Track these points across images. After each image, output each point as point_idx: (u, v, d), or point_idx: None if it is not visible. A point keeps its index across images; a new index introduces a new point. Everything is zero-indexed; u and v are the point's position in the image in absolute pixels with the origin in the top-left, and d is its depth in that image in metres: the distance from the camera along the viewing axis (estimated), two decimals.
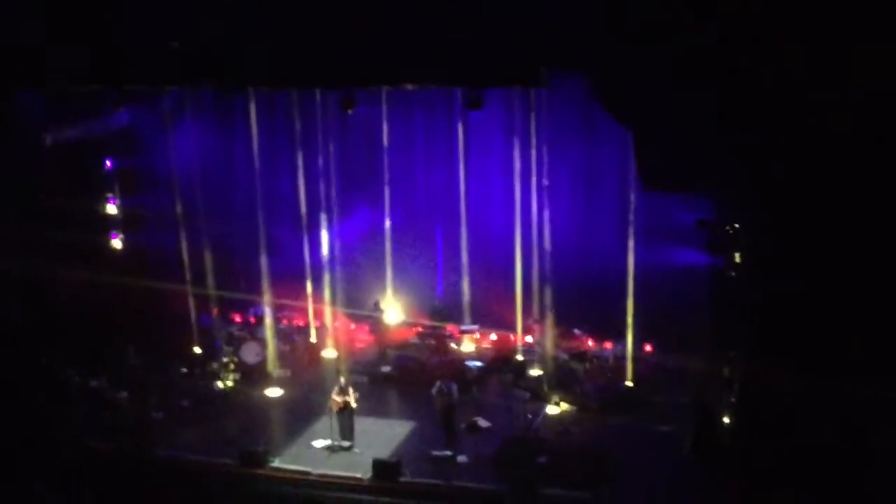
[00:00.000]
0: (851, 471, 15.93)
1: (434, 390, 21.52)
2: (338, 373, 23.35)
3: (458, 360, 24.89)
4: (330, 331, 26.98)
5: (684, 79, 16.50)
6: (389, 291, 26.99)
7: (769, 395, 16.40)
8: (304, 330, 27.53)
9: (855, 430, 15.91)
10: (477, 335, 26.48)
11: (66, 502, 19.30)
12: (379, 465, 19.79)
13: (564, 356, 24.38)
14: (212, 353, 25.81)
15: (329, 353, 26.74)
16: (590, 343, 25.20)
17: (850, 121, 15.34)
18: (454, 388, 21.51)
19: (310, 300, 27.05)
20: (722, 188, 18.06)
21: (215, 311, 27.01)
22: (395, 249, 26.87)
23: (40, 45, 20.45)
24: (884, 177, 15.44)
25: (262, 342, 26.04)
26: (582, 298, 25.08)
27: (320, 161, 26.27)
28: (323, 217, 26.53)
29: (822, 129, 15.49)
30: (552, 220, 24.13)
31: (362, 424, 21.55)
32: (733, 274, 18.50)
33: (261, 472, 20.19)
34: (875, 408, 15.72)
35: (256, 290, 27.12)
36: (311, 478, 19.98)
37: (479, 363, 24.78)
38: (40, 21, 20.29)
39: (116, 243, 26.39)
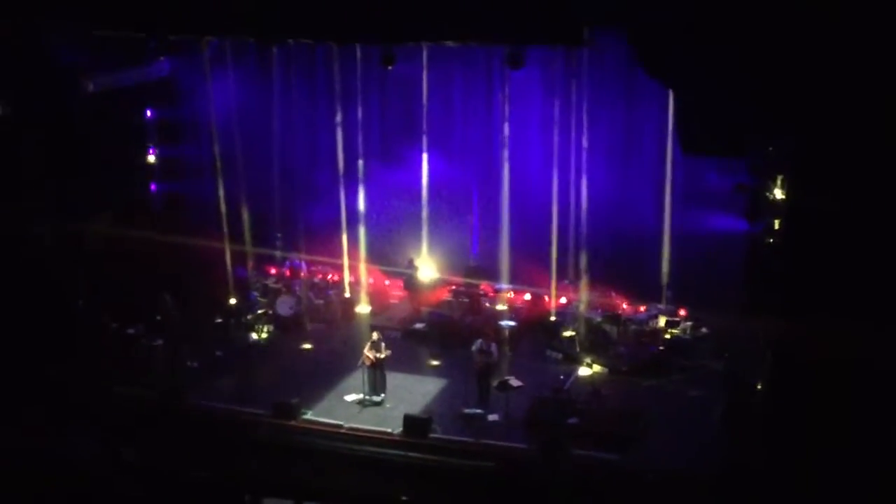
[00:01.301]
0: (885, 438, 15.82)
1: (475, 348, 21.48)
2: (371, 328, 23.45)
3: (492, 319, 24.88)
4: (364, 286, 27.05)
5: (728, 40, 16.28)
6: (424, 249, 26.96)
7: (802, 364, 16.29)
8: (339, 285, 27.62)
9: (889, 399, 15.79)
10: (511, 294, 26.45)
11: (99, 449, 19.53)
12: (410, 421, 19.90)
13: (598, 318, 24.33)
14: (247, 304, 25.97)
15: (362, 308, 26.83)
16: (624, 306, 25.10)
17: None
18: (494, 348, 21.51)
19: (345, 255, 27.12)
20: (761, 153, 17.88)
21: (251, 262, 27.17)
22: (431, 207, 26.79)
23: None
24: None
25: (296, 295, 26.18)
26: (617, 261, 25.02)
27: (359, 116, 26.24)
28: (360, 172, 26.53)
29: (870, 95, 15.25)
30: (590, 182, 24.02)
31: (394, 380, 21.70)
32: (770, 240, 18.34)
33: (293, 423, 20.37)
34: None
35: (292, 243, 27.28)
36: (342, 431, 20.14)
37: (512, 322, 24.77)
38: None
39: (155, 192, 26.50)
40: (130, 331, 24.00)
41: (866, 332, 15.39)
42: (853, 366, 15.53)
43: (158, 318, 23.98)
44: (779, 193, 18.11)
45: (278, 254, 27.87)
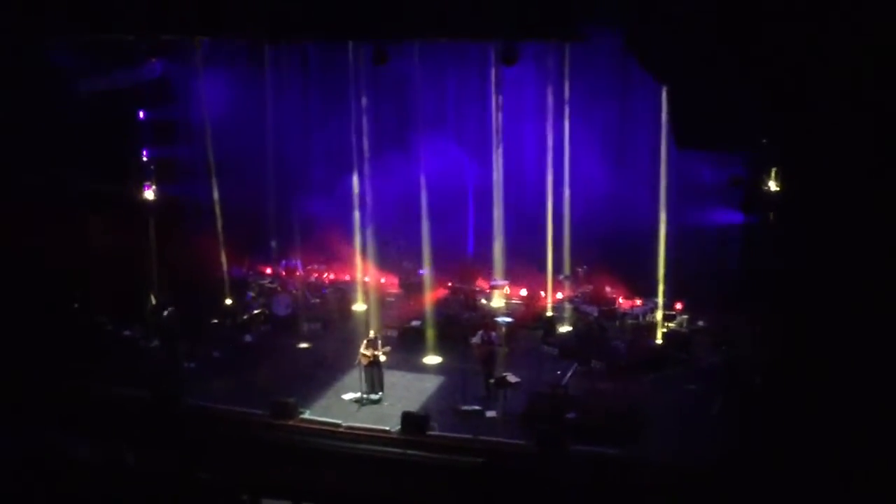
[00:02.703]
0: (884, 431, 15.84)
1: (475, 339, 21.72)
2: (367, 326, 23.44)
3: (489, 316, 24.89)
4: (360, 284, 27.05)
5: (720, 34, 16.29)
6: (421, 246, 26.92)
7: (799, 356, 16.31)
8: (335, 283, 27.60)
9: (887, 390, 15.81)
10: (507, 291, 26.45)
11: (96, 450, 19.51)
12: (408, 419, 19.90)
13: (594, 313, 24.33)
14: (243, 304, 25.96)
15: (359, 306, 26.82)
16: (620, 301, 25.11)
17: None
18: (496, 337, 21.75)
19: (341, 253, 27.09)
20: (756, 146, 17.90)
21: (247, 262, 27.14)
22: (426, 204, 26.74)
23: None
24: None
25: (292, 295, 26.16)
26: (613, 256, 25.05)
27: (352, 114, 26.21)
28: (354, 170, 26.52)
29: (863, 87, 15.26)
30: (585, 177, 24.05)
31: (391, 378, 21.69)
32: (767, 233, 18.37)
33: (291, 423, 20.35)
34: None
35: (287, 242, 27.26)
36: (340, 430, 20.13)
37: (509, 319, 24.77)
38: None
39: (149, 193, 26.50)
40: (126, 332, 23.97)
41: (862, 323, 15.43)
42: (850, 357, 15.55)
43: (154, 319, 23.92)
44: (773, 185, 18.12)
45: (273, 250, 27.85)
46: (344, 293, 27.16)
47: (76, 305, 24.32)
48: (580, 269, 24.97)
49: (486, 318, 24.20)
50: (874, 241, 15.66)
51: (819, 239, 16.06)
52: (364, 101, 26.19)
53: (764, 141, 17.88)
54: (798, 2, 15.46)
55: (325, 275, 28.15)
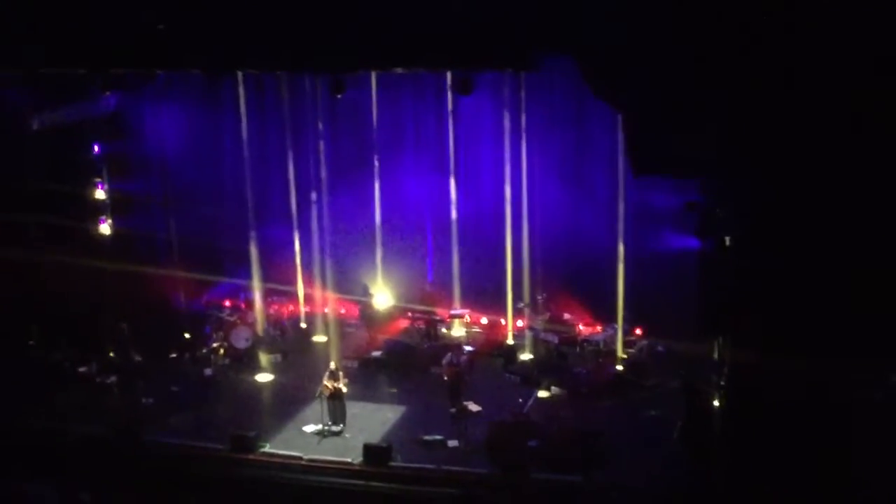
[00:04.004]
0: (838, 455, 15.97)
1: (444, 360, 21.94)
2: (328, 357, 23.33)
3: (453, 344, 24.85)
4: (320, 315, 26.91)
5: (674, 62, 16.44)
6: (379, 276, 26.90)
7: (758, 380, 16.40)
8: (294, 315, 27.48)
9: (842, 414, 15.95)
10: (467, 319, 26.45)
11: (53, 489, 19.23)
12: (370, 450, 19.78)
13: (555, 340, 24.38)
14: (201, 338, 25.75)
15: (319, 337, 26.69)
16: (580, 327, 25.17)
17: (843, 104, 15.31)
18: (464, 359, 22.01)
19: (300, 284, 27.01)
20: (711, 171, 18.02)
21: (205, 296, 26.95)
22: (384, 233, 26.81)
23: (25, 29, 20.26)
24: (876, 159, 15.41)
25: (251, 327, 26.00)
26: (572, 283, 25.13)
27: (309, 144, 26.22)
28: (312, 201, 26.46)
29: (814, 112, 15.45)
30: (542, 205, 24.14)
31: (353, 409, 21.56)
32: (721, 257, 18.48)
33: (251, 457, 20.17)
34: (863, 392, 15.79)
35: (246, 274, 27.12)
36: (301, 463, 19.96)
37: (469, 347, 24.78)
38: (23, 4, 20.09)
39: (105, 228, 26.26)
40: (83, 368, 23.70)
41: (820, 347, 15.56)
42: (808, 382, 15.67)
43: (112, 354, 23.68)
44: (728, 209, 18.24)
45: (231, 285, 27.70)
46: (303, 325, 27.00)
47: (31, 342, 24.02)
48: (539, 297, 25.01)
49: (453, 346, 24.14)
50: (828, 263, 15.83)
51: (773, 262, 16.19)
52: (321, 130, 26.24)
53: (719, 166, 18.00)
54: (753, 29, 15.64)
55: (285, 306, 28.00)
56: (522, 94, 23.84)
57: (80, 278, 24.49)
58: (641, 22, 16.47)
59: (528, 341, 24.82)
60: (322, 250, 26.73)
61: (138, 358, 23.69)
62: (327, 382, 20.99)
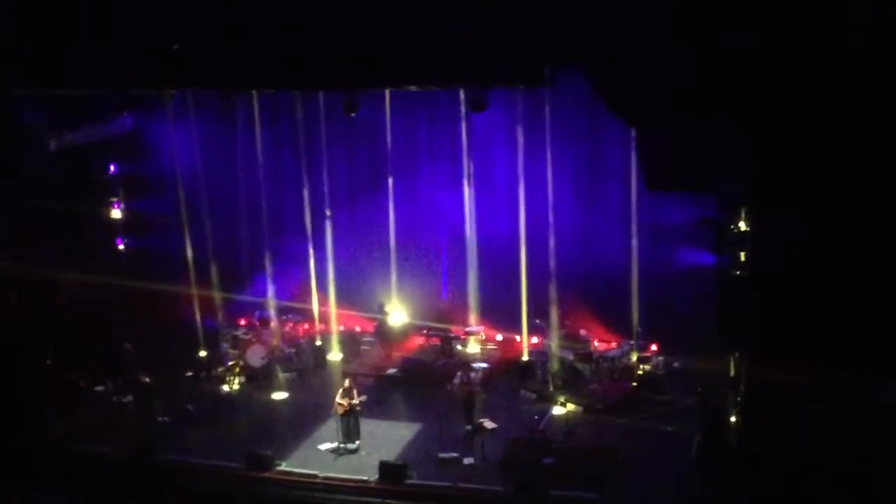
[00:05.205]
0: (856, 472, 15.87)
1: (456, 380, 22.02)
2: (343, 375, 23.33)
3: (464, 362, 24.83)
4: (335, 333, 26.94)
5: (687, 77, 16.43)
6: (394, 293, 26.92)
7: (775, 396, 16.33)
8: (310, 333, 27.52)
9: (860, 431, 15.85)
10: (482, 336, 26.42)
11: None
12: (385, 468, 19.76)
13: (570, 357, 24.32)
14: (217, 356, 25.80)
15: (334, 355, 26.70)
16: (595, 343, 25.12)
17: (858, 117, 15.28)
18: (476, 378, 22.04)
19: (315, 303, 27.05)
20: (726, 187, 18.00)
21: (221, 314, 27.02)
22: (399, 251, 26.83)
23: (42, 50, 20.43)
24: (891, 174, 15.37)
25: (267, 345, 26.03)
26: (587, 299, 25.07)
27: (324, 162, 26.30)
28: (327, 217, 26.52)
29: (830, 127, 15.42)
30: (557, 221, 24.10)
31: (368, 427, 21.55)
32: (738, 273, 18.43)
33: (267, 475, 20.16)
34: (883, 408, 15.69)
35: (261, 292, 27.18)
36: (317, 481, 19.94)
37: (484, 364, 24.75)
38: (42, 25, 20.25)
39: (121, 247, 26.36)
40: (99, 388, 23.77)
41: (837, 363, 15.48)
42: (825, 397, 15.58)
43: (128, 374, 23.75)
44: (744, 225, 18.22)
45: (247, 303, 27.77)
46: (318, 343, 27.03)
47: (49, 361, 24.12)
48: (537, 321, 25.05)
49: (463, 364, 24.14)
50: (845, 279, 15.77)
51: (791, 278, 16.14)
52: (336, 148, 26.35)
53: (733, 181, 17.98)
54: (766, 45, 15.64)
55: (300, 324, 28.03)
56: (536, 109, 23.82)
57: (97, 297, 24.60)
58: (654, 36, 16.49)
59: (543, 357, 24.71)
60: (337, 267, 26.76)
61: (146, 379, 23.68)
62: (342, 400, 20.99)
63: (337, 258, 26.80)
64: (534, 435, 20.74)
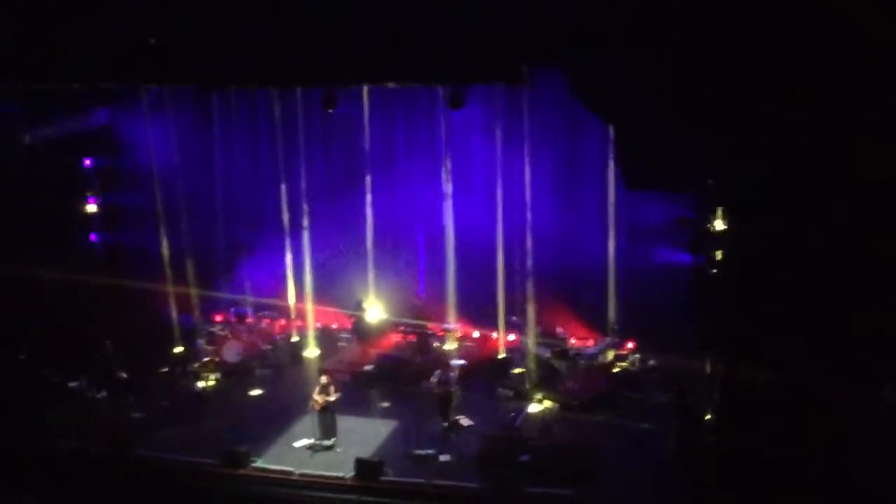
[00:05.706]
0: (831, 469, 15.99)
1: (433, 378, 21.92)
2: (319, 372, 23.28)
3: (441, 359, 24.82)
4: (311, 330, 26.89)
5: (665, 77, 16.50)
6: (371, 290, 26.88)
7: (750, 394, 16.42)
8: (286, 329, 27.46)
9: (836, 428, 15.97)
10: (459, 333, 26.43)
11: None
12: (361, 465, 19.74)
13: (546, 354, 24.36)
14: (193, 352, 25.71)
15: (311, 352, 26.65)
16: (572, 341, 25.16)
17: (834, 118, 15.38)
18: (453, 377, 21.98)
19: (291, 299, 26.98)
20: (702, 186, 18.09)
21: (196, 310, 26.92)
22: (376, 247, 26.79)
23: (17, 44, 20.30)
24: (867, 175, 15.46)
25: (243, 341, 25.95)
26: (564, 296, 25.11)
27: (301, 158, 26.23)
28: (305, 215, 26.46)
29: (806, 127, 15.51)
30: (534, 218, 24.11)
31: (344, 423, 21.50)
32: (714, 272, 18.53)
33: (243, 472, 20.10)
34: (855, 407, 15.81)
35: (237, 288, 27.10)
36: (293, 477, 19.90)
37: (461, 361, 24.75)
38: (17, 20, 20.11)
39: (96, 242, 26.21)
40: (73, 383, 23.63)
41: (811, 361, 15.58)
42: (800, 395, 15.68)
43: (102, 369, 23.62)
44: (720, 225, 18.30)
45: (223, 299, 27.68)
46: (294, 339, 26.97)
47: (22, 356, 23.96)
48: (514, 319, 25.08)
49: (440, 361, 24.14)
50: (822, 277, 15.87)
51: (766, 277, 16.23)
52: (313, 144, 26.28)
53: (709, 181, 18.07)
54: (741, 45, 15.71)
55: (276, 321, 27.97)
56: (514, 108, 23.81)
57: (72, 292, 24.45)
58: (631, 35, 16.54)
59: (520, 355, 24.74)
60: (314, 264, 26.71)
61: (124, 375, 23.56)
62: (318, 397, 20.95)
63: (314, 254, 26.74)
64: (510, 432, 20.75)
